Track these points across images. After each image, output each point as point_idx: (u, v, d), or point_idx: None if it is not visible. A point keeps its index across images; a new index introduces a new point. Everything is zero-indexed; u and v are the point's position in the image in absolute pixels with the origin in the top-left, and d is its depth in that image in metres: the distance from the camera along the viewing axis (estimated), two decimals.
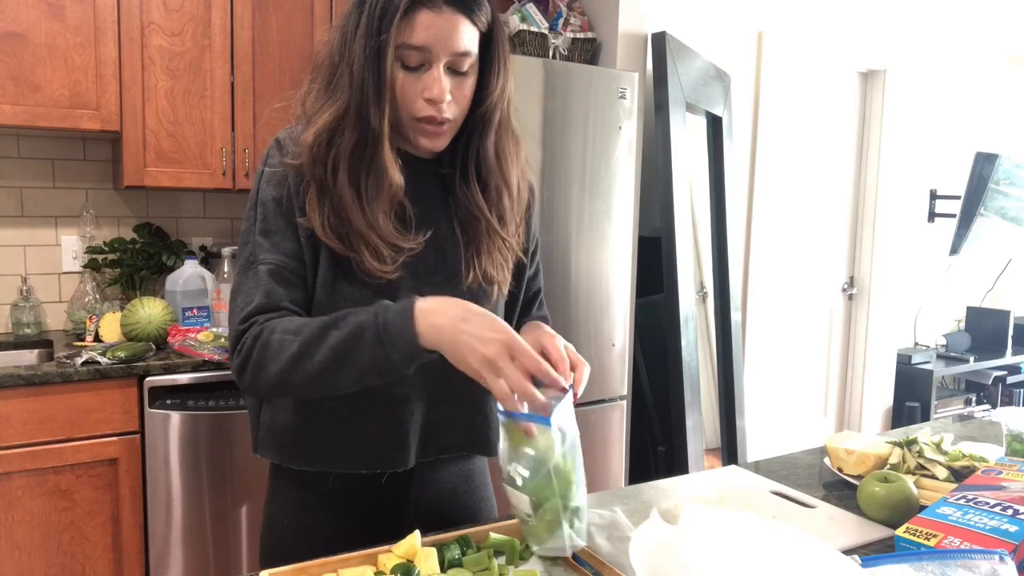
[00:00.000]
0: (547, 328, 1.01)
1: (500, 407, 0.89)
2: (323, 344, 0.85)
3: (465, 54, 0.92)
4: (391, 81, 0.91)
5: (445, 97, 0.91)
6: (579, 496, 0.86)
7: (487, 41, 0.96)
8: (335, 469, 0.99)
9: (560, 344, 0.92)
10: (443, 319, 0.82)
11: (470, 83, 0.95)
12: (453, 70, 0.93)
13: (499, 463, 0.90)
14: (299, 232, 0.94)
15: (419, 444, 1.01)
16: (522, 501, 0.85)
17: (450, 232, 1.02)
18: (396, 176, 0.93)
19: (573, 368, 0.91)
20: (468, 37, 0.91)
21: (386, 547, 0.86)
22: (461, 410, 1.04)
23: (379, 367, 0.84)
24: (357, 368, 0.84)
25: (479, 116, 0.99)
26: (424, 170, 1.02)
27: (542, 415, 0.84)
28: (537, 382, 0.87)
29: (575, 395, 0.88)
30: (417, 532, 0.87)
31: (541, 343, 0.93)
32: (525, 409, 0.85)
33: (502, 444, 0.88)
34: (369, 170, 0.93)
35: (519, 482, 0.84)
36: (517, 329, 1.10)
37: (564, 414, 0.85)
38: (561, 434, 0.84)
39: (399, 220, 0.96)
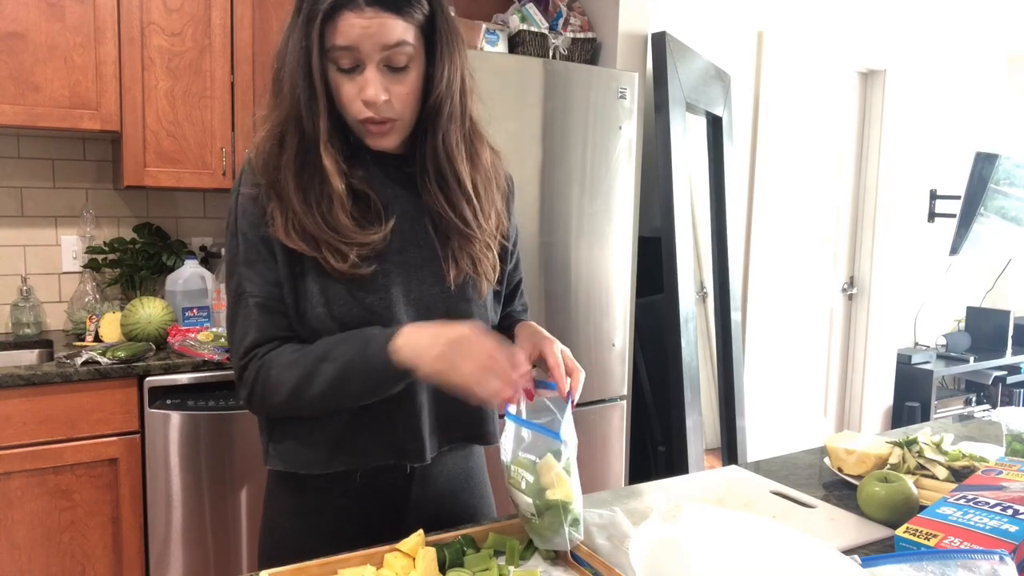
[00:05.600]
0: (544, 332, 1.01)
1: (511, 412, 0.91)
2: (319, 376, 0.90)
3: (397, 46, 0.88)
4: (328, 85, 0.90)
5: (380, 98, 0.89)
6: (576, 500, 0.89)
7: (430, 33, 0.93)
8: (358, 467, 0.99)
9: (557, 350, 0.96)
10: (421, 343, 0.85)
11: (411, 78, 0.92)
12: (390, 67, 0.90)
13: (502, 463, 0.93)
14: (277, 253, 0.95)
15: (431, 435, 1.01)
16: (526, 504, 0.89)
17: (426, 230, 1.01)
18: (337, 183, 0.92)
19: (569, 374, 0.94)
20: (398, 32, 0.88)
21: (390, 546, 0.87)
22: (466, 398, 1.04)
23: (373, 394, 0.90)
24: (354, 397, 0.91)
25: (428, 110, 0.96)
26: (395, 167, 1.00)
27: (551, 429, 0.89)
28: (544, 384, 0.94)
29: (572, 402, 0.92)
30: (420, 530, 0.88)
31: (540, 348, 0.97)
32: (523, 409, 0.90)
33: (508, 447, 0.90)
34: (313, 175, 0.92)
35: (523, 486, 0.88)
36: (506, 327, 1.10)
37: (568, 425, 0.89)
38: (564, 444, 0.88)
39: (365, 214, 0.95)
